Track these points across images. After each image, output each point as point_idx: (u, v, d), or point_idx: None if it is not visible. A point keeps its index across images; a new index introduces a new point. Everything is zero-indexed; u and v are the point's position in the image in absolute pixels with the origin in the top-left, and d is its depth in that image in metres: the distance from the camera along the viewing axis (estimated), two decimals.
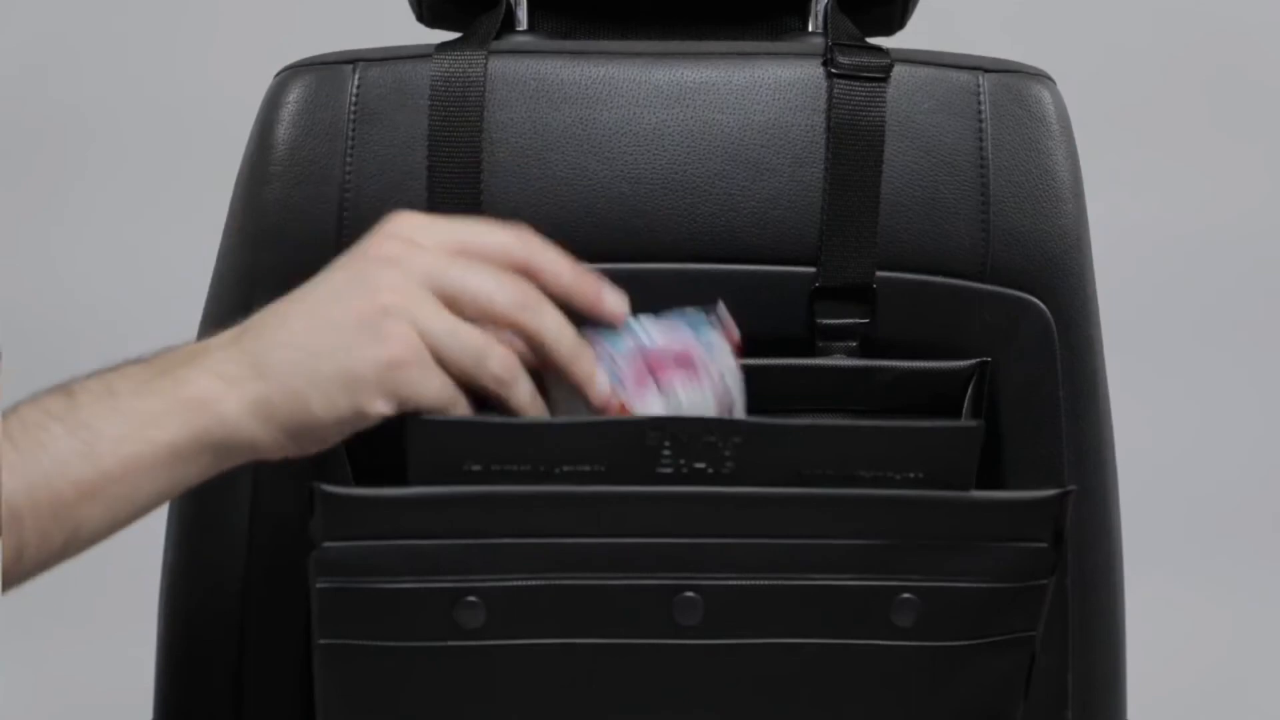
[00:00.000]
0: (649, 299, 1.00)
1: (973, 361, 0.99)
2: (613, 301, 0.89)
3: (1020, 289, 1.02)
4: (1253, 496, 2.22)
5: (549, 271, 0.88)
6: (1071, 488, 0.90)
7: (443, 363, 0.85)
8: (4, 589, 0.82)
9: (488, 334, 0.86)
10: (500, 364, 0.86)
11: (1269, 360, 2.22)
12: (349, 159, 1.01)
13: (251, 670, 1.02)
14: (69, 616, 2.14)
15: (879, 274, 1.01)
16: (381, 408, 0.85)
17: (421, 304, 0.85)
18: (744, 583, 0.88)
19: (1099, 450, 1.04)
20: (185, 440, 0.83)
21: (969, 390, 0.98)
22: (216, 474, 0.86)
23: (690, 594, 0.88)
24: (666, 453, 0.86)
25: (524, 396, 0.87)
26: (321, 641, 0.88)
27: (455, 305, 0.86)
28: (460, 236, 0.88)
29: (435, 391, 0.85)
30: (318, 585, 0.87)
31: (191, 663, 1.04)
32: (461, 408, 0.86)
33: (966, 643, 0.90)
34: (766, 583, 0.88)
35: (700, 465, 0.87)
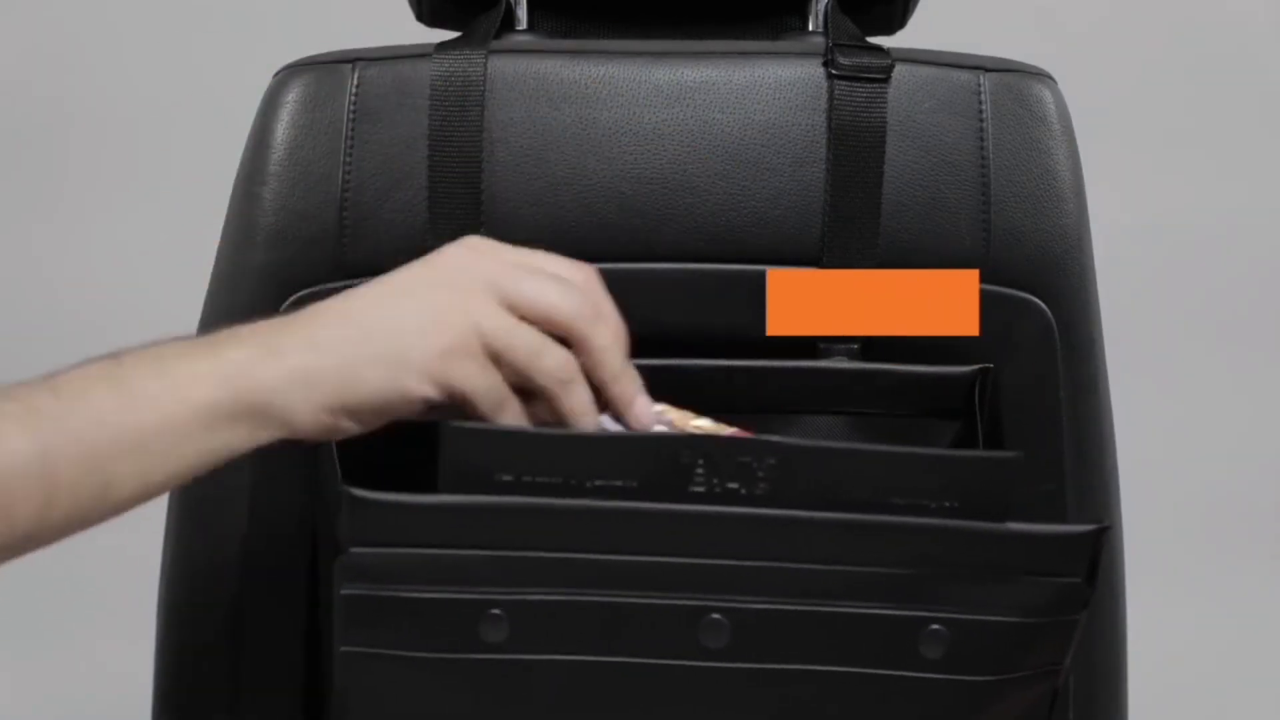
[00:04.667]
0: (649, 299, 1.00)
1: (975, 367, 0.98)
2: (641, 411, 0.89)
3: (1021, 289, 1.02)
4: (1254, 497, 2.22)
5: (598, 356, 0.88)
6: (1107, 524, 0.88)
7: (499, 359, 0.86)
8: (31, 544, 0.82)
9: (545, 336, 0.87)
10: (556, 362, 0.86)
11: (1271, 360, 2.22)
12: (348, 159, 1.01)
13: (250, 670, 1.02)
14: (69, 616, 2.14)
15: None
16: (427, 391, 0.85)
17: (483, 303, 0.86)
18: (772, 607, 0.87)
19: (1100, 450, 1.04)
20: (223, 402, 0.84)
21: (975, 396, 0.98)
22: (251, 449, 0.86)
23: (717, 616, 0.87)
24: (700, 472, 0.86)
25: (580, 399, 0.87)
26: (343, 649, 0.87)
27: (516, 309, 0.86)
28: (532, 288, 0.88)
29: (485, 386, 0.85)
30: (342, 591, 0.86)
31: (190, 663, 1.04)
32: (510, 413, 0.86)
33: (995, 678, 0.88)
34: (795, 608, 0.87)
35: (733, 486, 0.86)
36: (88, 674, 2.11)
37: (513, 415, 0.86)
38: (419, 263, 0.89)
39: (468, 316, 0.85)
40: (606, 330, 0.88)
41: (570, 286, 0.88)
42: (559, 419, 0.87)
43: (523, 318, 0.86)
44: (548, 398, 0.87)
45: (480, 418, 0.86)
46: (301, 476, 0.99)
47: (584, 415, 0.87)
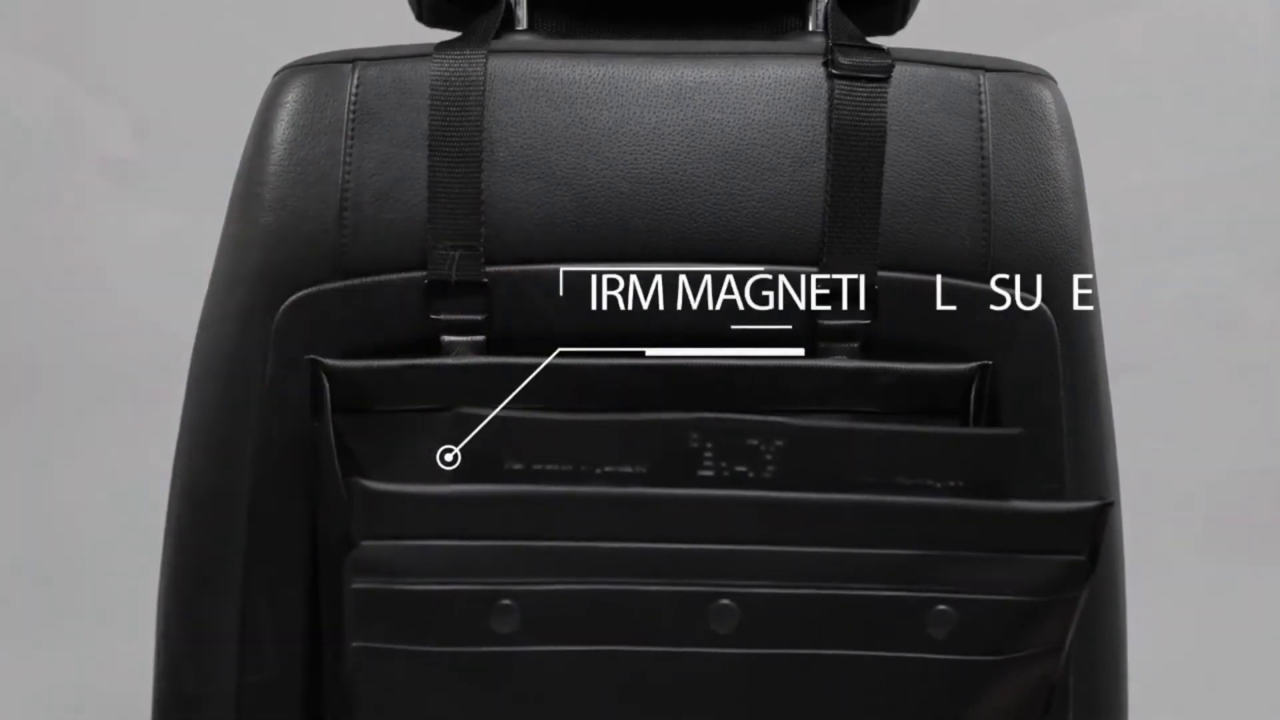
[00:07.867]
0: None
1: (974, 365, 0.99)
2: None
3: (1021, 289, 1.02)
4: (1254, 497, 2.22)
5: None
6: (1110, 500, 0.89)
7: None
8: None
9: None
10: None
11: (1271, 359, 2.22)
12: (348, 159, 1.01)
13: (251, 670, 1.02)
14: (69, 616, 2.14)
15: (879, 274, 1.01)
16: None
17: None
18: (780, 591, 0.87)
19: (1100, 449, 1.04)
20: None
21: (972, 394, 0.98)
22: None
23: (726, 601, 0.87)
24: (708, 455, 0.86)
25: None
26: (355, 644, 0.87)
27: None
28: None
29: None
30: (354, 585, 0.86)
31: (191, 661, 1.04)
32: None
33: (999, 657, 0.89)
34: (803, 592, 0.87)
35: (741, 469, 0.86)
36: (88, 673, 2.11)
37: None
38: None
39: None
40: None
41: None
42: None
43: None
44: None
45: None
46: (301, 476, 0.99)
47: None
